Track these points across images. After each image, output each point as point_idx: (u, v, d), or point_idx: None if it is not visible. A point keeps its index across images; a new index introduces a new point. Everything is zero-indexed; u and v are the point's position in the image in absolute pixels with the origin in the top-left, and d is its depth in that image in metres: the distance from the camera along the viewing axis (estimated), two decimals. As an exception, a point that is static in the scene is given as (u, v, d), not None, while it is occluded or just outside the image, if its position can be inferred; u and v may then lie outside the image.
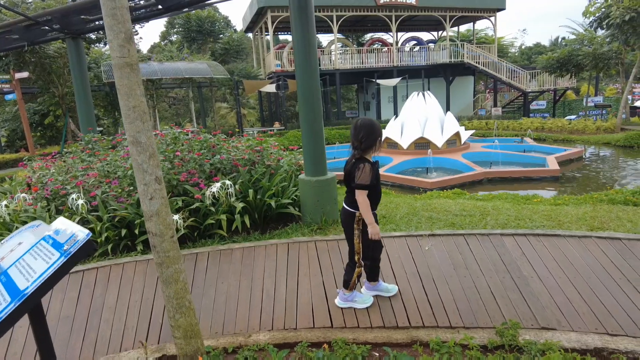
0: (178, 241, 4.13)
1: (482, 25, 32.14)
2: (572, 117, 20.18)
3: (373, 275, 3.13)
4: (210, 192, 4.30)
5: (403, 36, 28.25)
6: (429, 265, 3.54)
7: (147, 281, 3.56)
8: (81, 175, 4.86)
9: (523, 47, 41.60)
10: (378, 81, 19.67)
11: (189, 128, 16.21)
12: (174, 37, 33.64)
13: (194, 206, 4.32)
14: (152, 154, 2.17)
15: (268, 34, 21.08)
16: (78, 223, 4.21)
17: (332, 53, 21.95)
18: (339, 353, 2.36)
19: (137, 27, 29.92)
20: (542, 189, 8.00)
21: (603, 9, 13.88)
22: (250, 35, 27.06)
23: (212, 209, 4.32)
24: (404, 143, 11.69)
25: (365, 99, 24.73)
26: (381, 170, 9.39)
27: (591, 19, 14.47)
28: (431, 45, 26.16)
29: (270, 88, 18.92)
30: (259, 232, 4.44)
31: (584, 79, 23.91)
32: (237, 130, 12.45)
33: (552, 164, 9.24)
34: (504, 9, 23.35)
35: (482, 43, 27.16)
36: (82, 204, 4.20)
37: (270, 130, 16.74)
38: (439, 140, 11.46)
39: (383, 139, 12.76)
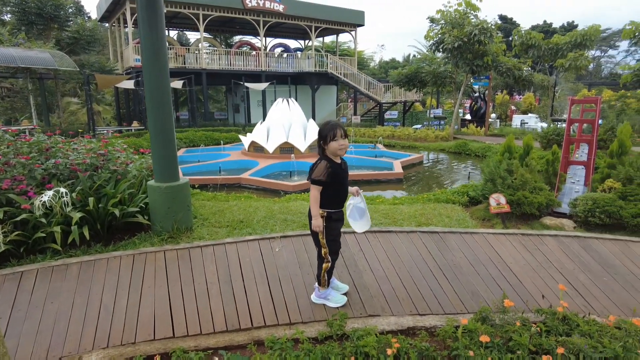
0: (-3, 259, 3.63)
1: (345, 38, 34.54)
2: (418, 126, 23.04)
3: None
4: (41, 201, 3.83)
5: (271, 42, 28.79)
6: (277, 266, 3.72)
7: (-48, 309, 3.02)
8: None
9: (382, 61, 45.86)
10: (246, 84, 19.66)
11: (20, 126, 13.99)
12: (7, 17, 28.55)
13: (19, 218, 3.80)
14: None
15: (127, 26, 19.44)
16: None
17: (199, 52, 21.25)
18: (176, 362, 2.35)
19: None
20: (387, 190, 8.98)
21: (440, 35, 16.16)
22: (106, 25, 24.57)
23: (44, 220, 3.86)
24: (270, 147, 11.94)
25: (235, 101, 24.49)
26: (245, 174, 9.52)
27: (431, 42, 16.74)
28: (298, 53, 27.17)
29: (128, 84, 17.46)
30: (101, 244, 4.11)
31: (428, 93, 27.44)
32: (80, 130, 11.17)
33: (397, 167, 10.42)
34: (363, 25, 25.54)
35: (345, 55, 29.23)
36: None
37: (116, 132, 15.42)
38: (302, 145, 12.00)
39: (249, 143, 12.71)
